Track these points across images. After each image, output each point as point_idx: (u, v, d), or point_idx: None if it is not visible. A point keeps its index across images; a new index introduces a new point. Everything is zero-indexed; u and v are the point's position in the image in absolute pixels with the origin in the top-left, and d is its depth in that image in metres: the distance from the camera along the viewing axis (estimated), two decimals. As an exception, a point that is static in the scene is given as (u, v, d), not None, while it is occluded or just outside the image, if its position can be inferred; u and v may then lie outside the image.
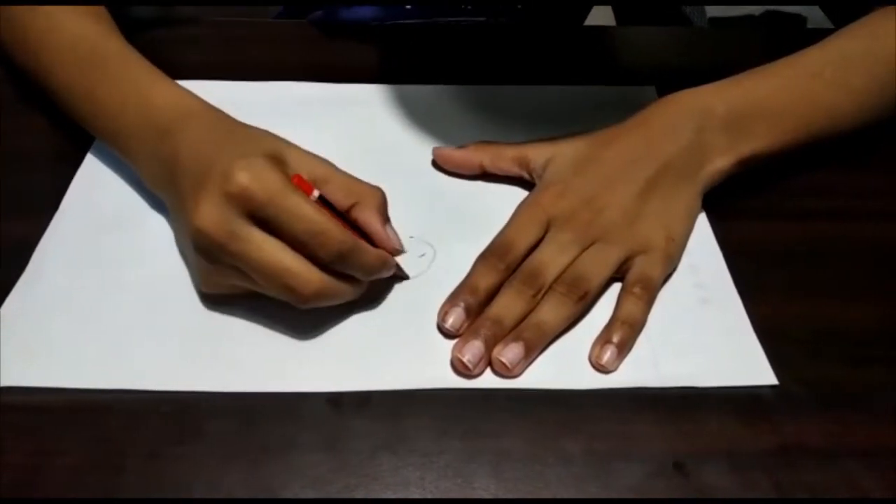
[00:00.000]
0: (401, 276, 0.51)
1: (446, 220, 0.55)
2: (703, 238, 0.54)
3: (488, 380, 0.46)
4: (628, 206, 0.51)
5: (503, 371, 0.46)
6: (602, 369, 0.46)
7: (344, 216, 0.48)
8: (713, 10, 0.97)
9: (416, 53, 0.71)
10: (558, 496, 0.41)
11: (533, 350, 0.46)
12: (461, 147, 0.58)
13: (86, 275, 0.50)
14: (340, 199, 0.48)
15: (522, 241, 0.50)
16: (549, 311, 0.47)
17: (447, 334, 0.48)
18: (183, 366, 0.46)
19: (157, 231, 0.53)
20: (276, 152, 0.47)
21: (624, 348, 0.47)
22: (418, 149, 0.60)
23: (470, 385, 0.46)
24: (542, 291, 0.48)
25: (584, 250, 0.50)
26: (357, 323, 0.49)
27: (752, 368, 0.47)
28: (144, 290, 0.50)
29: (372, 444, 0.43)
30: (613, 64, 0.73)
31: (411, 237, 0.53)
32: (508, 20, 0.79)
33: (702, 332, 0.49)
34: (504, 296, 0.48)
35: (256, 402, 0.44)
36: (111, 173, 0.57)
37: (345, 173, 0.50)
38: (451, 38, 0.74)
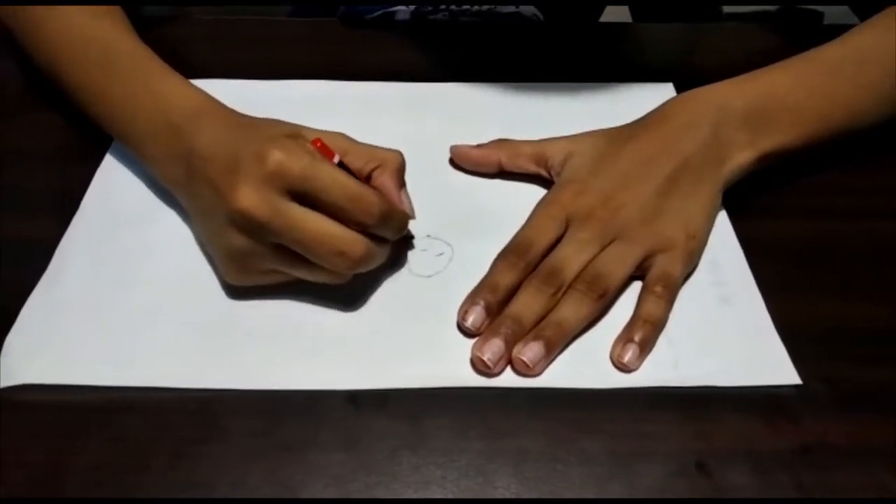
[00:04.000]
0: (408, 235, 0.52)
1: (464, 219, 0.55)
2: (723, 236, 0.54)
3: (508, 379, 0.46)
4: (647, 204, 0.51)
5: (523, 370, 0.45)
6: (624, 368, 0.46)
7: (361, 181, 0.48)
8: (728, 6, 0.96)
9: (432, 51, 0.71)
10: (580, 496, 0.41)
11: (553, 349, 0.46)
12: (479, 145, 0.58)
13: (106, 274, 0.51)
14: (361, 165, 0.50)
15: (542, 239, 0.50)
16: (569, 310, 0.47)
17: (467, 333, 0.47)
18: (205, 364, 0.46)
19: (177, 228, 0.53)
20: (295, 133, 0.48)
21: (646, 347, 0.47)
22: (436, 147, 0.60)
23: (490, 384, 0.45)
24: (562, 290, 0.48)
25: (603, 248, 0.49)
26: (377, 322, 0.48)
27: (775, 368, 0.46)
28: (165, 288, 0.50)
29: (392, 443, 0.43)
30: (631, 61, 0.72)
31: (428, 236, 0.53)
32: (537, 7, 0.79)
33: (722, 331, 0.48)
34: (524, 294, 0.48)
35: (277, 400, 0.44)
36: (131, 172, 0.57)
37: (361, 142, 0.51)
38: (467, 36, 0.73)
